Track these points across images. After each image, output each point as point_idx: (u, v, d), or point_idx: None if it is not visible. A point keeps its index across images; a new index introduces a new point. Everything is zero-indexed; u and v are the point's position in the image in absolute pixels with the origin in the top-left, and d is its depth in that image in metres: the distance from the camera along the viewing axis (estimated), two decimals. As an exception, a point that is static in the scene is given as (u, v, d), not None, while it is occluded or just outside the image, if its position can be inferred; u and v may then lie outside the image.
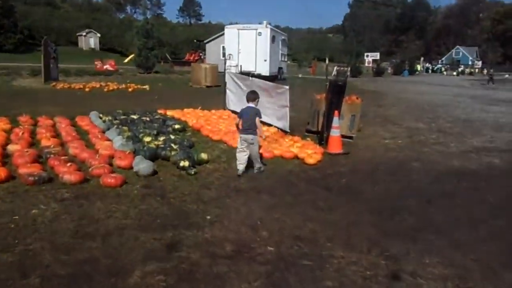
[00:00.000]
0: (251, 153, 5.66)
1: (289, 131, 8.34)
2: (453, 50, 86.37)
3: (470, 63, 75.74)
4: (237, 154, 5.68)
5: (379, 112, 13.34)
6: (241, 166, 5.63)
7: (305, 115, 9.81)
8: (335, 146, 7.21)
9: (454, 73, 57.88)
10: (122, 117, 8.73)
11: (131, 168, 5.47)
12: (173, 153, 6.04)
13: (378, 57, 56.97)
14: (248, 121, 5.57)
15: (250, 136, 5.61)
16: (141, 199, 4.55)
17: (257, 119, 5.56)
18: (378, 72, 44.88)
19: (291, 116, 8.53)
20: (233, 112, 10.61)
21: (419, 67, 63.28)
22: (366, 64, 55.77)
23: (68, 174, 4.90)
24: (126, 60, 37.96)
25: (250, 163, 5.77)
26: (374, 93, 20.85)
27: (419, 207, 4.79)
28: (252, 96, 5.75)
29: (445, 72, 61.77)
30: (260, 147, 6.07)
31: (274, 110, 8.61)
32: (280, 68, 27.73)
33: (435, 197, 5.13)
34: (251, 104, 5.69)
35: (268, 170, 5.97)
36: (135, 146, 6.29)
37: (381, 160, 6.95)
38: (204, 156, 6.08)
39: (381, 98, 18.42)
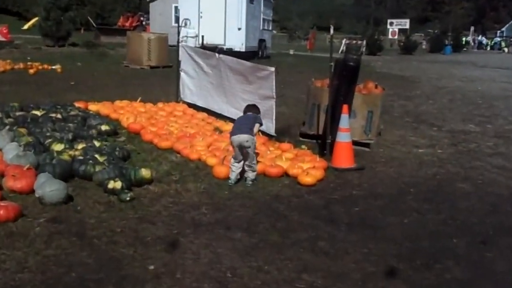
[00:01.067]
0: (247, 158, 6.29)
1: (275, 134, 8.44)
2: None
3: (544, 35, 77.63)
4: (231, 165, 6.40)
5: (409, 108, 13.45)
6: (233, 174, 6.35)
7: (299, 111, 9.79)
8: (343, 158, 7.25)
9: (520, 50, 59.36)
10: (19, 113, 8.66)
11: (32, 192, 5.42)
12: (97, 168, 6.05)
13: (407, 26, 57.91)
14: (243, 122, 6.50)
15: (245, 137, 6.22)
16: (47, 240, 4.49)
17: (256, 124, 6.54)
18: (408, 47, 45.67)
19: (278, 113, 8.50)
20: (190, 105, 10.64)
21: (467, 40, 64.55)
22: (390, 36, 56.65)
23: None
24: (26, 26, 37.46)
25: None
26: (401, 79, 21.11)
27: (470, 251, 4.81)
28: (254, 109, 6.87)
29: (506, 49, 63.27)
30: (257, 154, 6.78)
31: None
32: (262, 41, 27.87)
33: (493, 236, 5.19)
34: (249, 113, 6.76)
35: (243, 194, 6.01)
36: (38, 158, 6.23)
37: (412, 180, 7.01)
38: (145, 173, 6.11)
39: (411, 87, 18.63)
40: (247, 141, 6.20)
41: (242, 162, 6.35)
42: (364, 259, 4.49)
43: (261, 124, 6.76)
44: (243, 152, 6.28)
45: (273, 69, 8.24)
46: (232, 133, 6.41)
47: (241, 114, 7.02)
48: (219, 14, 24.24)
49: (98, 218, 5.03)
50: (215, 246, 4.57)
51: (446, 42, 53.65)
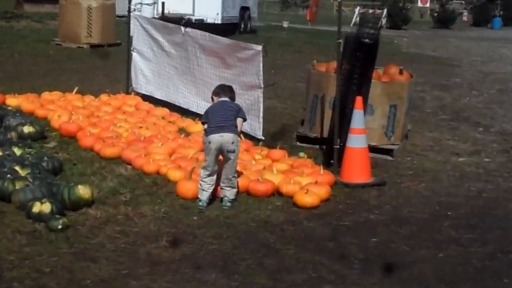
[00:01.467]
0: (227, 167, 6.28)
1: (263, 138, 8.43)
2: None
3: None
4: (201, 180, 6.34)
5: (446, 101, 13.53)
6: (205, 193, 6.32)
7: (297, 106, 9.99)
8: (357, 170, 7.31)
9: None
10: None
11: None
12: (18, 185, 6.13)
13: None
14: (224, 114, 6.33)
15: (230, 137, 6.18)
16: None
17: (239, 120, 6.47)
18: (444, 19, 46.30)
19: (267, 108, 8.66)
20: (145, 97, 10.60)
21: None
22: (420, 4, 57.08)
23: None
24: None
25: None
26: (435, 62, 21.31)
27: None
28: (229, 93, 6.70)
29: None
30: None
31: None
32: (245, 10, 27.98)
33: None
34: (225, 98, 6.61)
35: (219, 220, 6.05)
36: None
37: (450, 199, 7.10)
38: (84, 191, 6.16)
39: (449, 73, 18.76)
40: (232, 142, 6.15)
41: (215, 176, 6.27)
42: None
43: (244, 120, 6.65)
44: (219, 160, 6.23)
45: (260, 47, 8.25)
46: (211, 130, 6.26)
47: None
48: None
49: (20, 254, 5.05)
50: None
51: (495, 12, 53.80)
